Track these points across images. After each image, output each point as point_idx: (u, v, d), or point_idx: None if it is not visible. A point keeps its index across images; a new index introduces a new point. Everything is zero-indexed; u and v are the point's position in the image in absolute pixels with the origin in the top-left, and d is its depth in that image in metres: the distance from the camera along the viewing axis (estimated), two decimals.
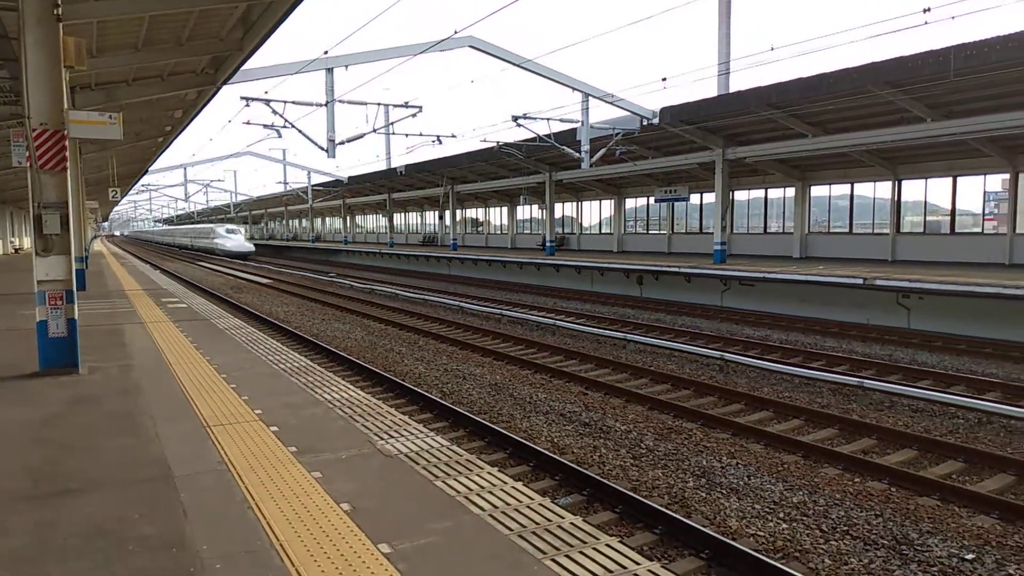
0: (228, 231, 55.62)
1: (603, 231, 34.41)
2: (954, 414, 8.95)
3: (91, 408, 5.83)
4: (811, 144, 19.25)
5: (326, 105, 18.09)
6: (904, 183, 21.35)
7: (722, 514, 6.00)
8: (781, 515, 5.98)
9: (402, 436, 5.13)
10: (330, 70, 17.53)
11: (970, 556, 5.22)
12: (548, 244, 29.99)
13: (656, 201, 28.45)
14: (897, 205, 21.53)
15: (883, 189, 21.96)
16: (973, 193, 20.37)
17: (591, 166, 22.46)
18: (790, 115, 18.55)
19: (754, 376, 11.18)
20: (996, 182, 19.83)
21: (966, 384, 10.56)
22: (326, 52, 16.73)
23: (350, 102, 19.55)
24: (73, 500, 3.89)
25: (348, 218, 58.92)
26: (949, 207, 20.77)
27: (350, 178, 42.28)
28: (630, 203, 32.55)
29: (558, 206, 34.15)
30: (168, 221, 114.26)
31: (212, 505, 3.81)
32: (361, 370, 11.52)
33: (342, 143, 19.27)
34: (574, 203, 35.66)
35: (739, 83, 32.08)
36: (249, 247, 54.07)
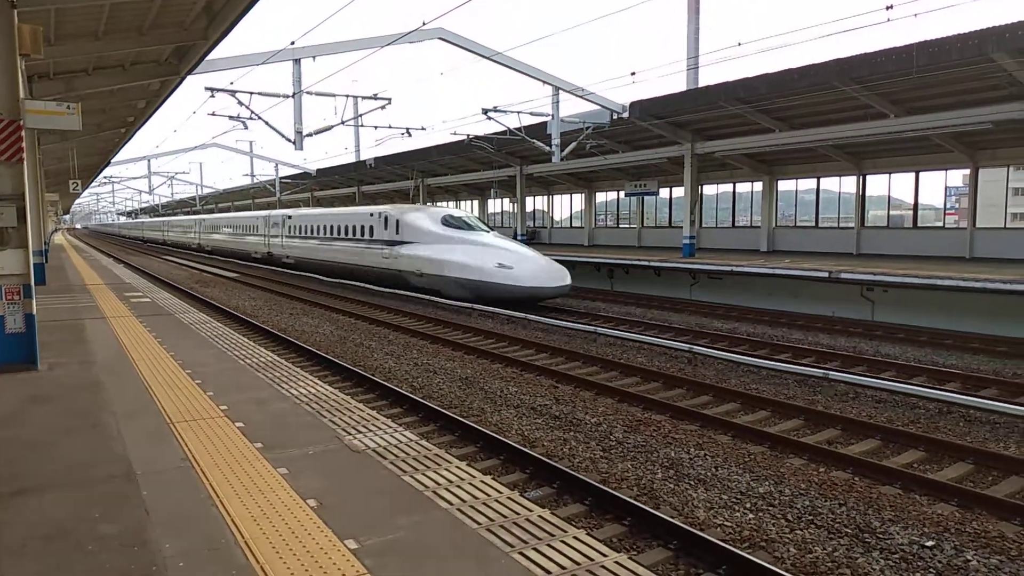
0: (456, 223, 20.54)
1: (574, 225, 34.50)
2: (916, 404, 9.14)
3: (50, 405, 5.69)
4: (778, 139, 19.50)
5: (293, 96, 17.88)
6: (868, 178, 21.72)
7: (690, 505, 6.05)
8: (748, 505, 6.05)
9: (370, 431, 5.09)
10: (297, 61, 17.32)
11: (930, 543, 5.34)
12: (519, 238, 30.03)
13: (626, 195, 28.61)
14: (862, 200, 21.89)
15: (848, 184, 22.33)
16: (935, 188, 20.85)
17: (562, 160, 22.51)
18: (757, 110, 18.75)
19: (722, 368, 11.30)
20: (957, 177, 20.28)
21: (927, 375, 10.80)
22: (293, 43, 16.50)
23: (318, 93, 19.33)
24: (30, 500, 3.79)
25: None
26: (912, 202, 21.21)
27: (319, 171, 41.82)
28: (600, 197, 32.69)
29: (529, 200, 34.15)
30: (169, 206, 75.29)
31: (175, 503, 3.74)
32: (330, 365, 11.41)
33: (310, 135, 19.09)
34: (545, 197, 35.70)
35: (708, 78, 32.40)
36: (560, 277, 18.33)
